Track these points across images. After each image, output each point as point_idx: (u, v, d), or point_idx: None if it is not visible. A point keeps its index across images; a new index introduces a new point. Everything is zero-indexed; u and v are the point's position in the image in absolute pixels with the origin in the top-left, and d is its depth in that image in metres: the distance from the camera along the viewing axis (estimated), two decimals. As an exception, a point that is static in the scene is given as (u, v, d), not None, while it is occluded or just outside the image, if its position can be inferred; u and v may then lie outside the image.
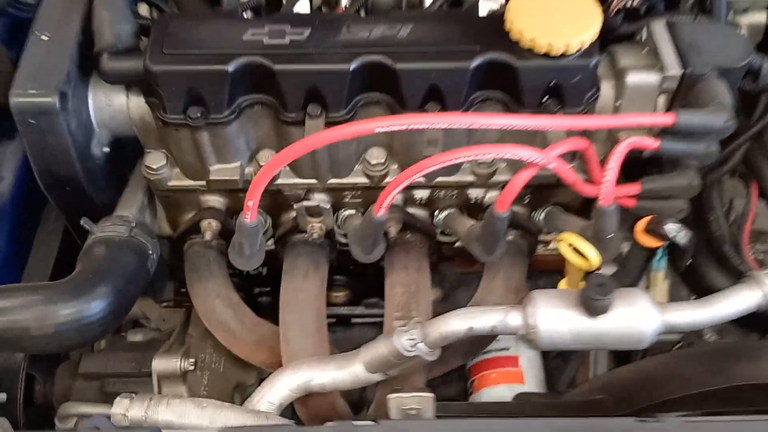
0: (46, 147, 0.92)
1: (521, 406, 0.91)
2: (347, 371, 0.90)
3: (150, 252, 1.01)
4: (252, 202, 0.84)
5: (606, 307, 0.75)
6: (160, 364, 1.05)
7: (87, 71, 0.97)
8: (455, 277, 1.31)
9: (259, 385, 1.25)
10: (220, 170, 1.01)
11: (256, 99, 0.95)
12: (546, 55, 0.89)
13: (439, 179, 1.03)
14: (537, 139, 0.97)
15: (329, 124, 0.93)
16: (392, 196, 0.83)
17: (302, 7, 1.06)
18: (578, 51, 0.89)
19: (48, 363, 1.12)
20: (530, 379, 1.26)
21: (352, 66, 0.90)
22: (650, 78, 0.95)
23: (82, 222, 0.98)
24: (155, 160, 1.02)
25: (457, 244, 1.18)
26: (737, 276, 1.04)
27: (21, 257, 1.16)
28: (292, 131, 0.95)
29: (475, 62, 0.90)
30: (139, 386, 1.08)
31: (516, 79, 0.91)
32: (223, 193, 1.07)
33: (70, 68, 0.92)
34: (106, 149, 1.02)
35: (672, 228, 0.89)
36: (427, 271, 1.07)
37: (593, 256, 0.85)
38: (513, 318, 0.80)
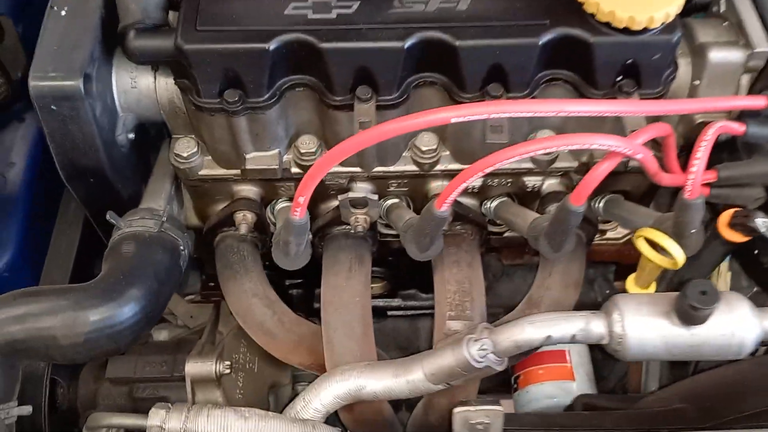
0: (69, 135, 0.84)
1: (600, 419, 0.83)
2: (404, 380, 0.82)
3: (182, 248, 0.94)
4: (303, 197, 0.75)
5: (706, 317, 0.68)
6: (194, 367, 0.97)
7: (110, 50, 0.88)
8: (499, 267, 1.23)
9: (292, 384, 1.21)
10: (257, 158, 0.92)
11: (298, 80, 0.86)
12: (625, 30, 0.80)
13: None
14: (606, 124, 0.88)
15: (379, 108, 0.85)
16: (460, 189, 0.74)
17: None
18: (661, 25, 0.80)
19: (71, 366, 1.04)
20: (580, 375, 1.19)
21: (408, 43, 0.81)
22: (734, 55, 0.86)
23: (108, 216, 0.90)
24: (185, 148, 0.93)
25: (506, 234, 1.10)
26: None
27: (36, 248, 1.08)
28: (338, 116, 0.87)
29: (545, 38, 0.81)
30: (170, 391, 1.01)
31: (589, 57, 0.82)
32: (258, 183, 0.98)
33: (93, 47, 0.83)
34: (131, 136, 0.93)
35: (763, 222, 0.81)
36: (479, 267, 0.99)
37: (679, 255, 0.77)
38: (596, 325, 0.72)
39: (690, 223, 0.80)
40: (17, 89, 1.03)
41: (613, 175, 0.96)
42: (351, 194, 0.92)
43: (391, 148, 0.92)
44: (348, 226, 0.99)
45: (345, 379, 0.87)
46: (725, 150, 0.95)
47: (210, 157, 0.95)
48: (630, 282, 0.91)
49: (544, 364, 1.20)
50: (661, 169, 0.81)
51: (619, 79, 0.85)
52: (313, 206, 1.03)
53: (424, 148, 0.92)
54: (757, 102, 0.79)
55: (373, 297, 1.22)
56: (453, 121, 0.66)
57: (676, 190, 0.93)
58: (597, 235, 1.10)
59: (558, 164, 0.95)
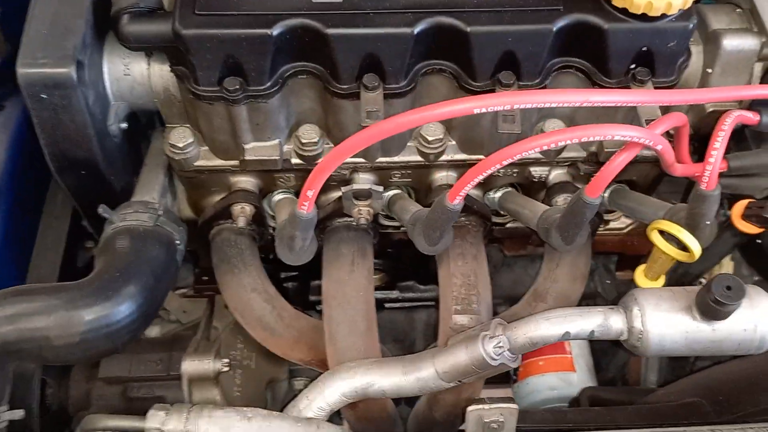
0: (60, 125, 0.79)
1: (612, 414, 0.81)
2: (414, 377, 0.80)
3: (178, 242, 0.90)
4: (312, 191, 0.72)
5: (730, 312, 0.66)
6: (191, 365, 0.94)
7: (101, 35, 0.84)
8: (499, 258, 1.21)
9: (289, 379, 1.18)
10: (257, 149, 0.88)
11: (301, 68, 0.82)
12: (642, 16, 0.77)
13: (502, 156, 0.92)
14: (619, 113, 0.86)
15: (386, 96, 0.81)
16: (476, 182, 0.71)
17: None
18: (678, 11, 0.78)
19: (61, 366, 1.00)
20: (581, 366, 1.18)
21: (417, 29, 0.78)
22: (749, 43, 0.85)
23: (100, 210, 0.86)
24: (180, 138, 0.89)
25: (509, 225, 1.08)
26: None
27: (21, 245, 1.04)
28: (342, 104, 0.83)
29: (559, 24, 0.79)
30: (166, 390, 0.97)
31: (604, 44, 0.80)
32: (256, 174, 0.95)
33: (85, 32, 0.79)
34: (124, 125, 0.89)
35: (779, 213, 0.79)
36: (484, 259, 0.96)
37: (697, 249, 0.75)
38: (615, 321, 0.70)
39: (706, 215, 0.78)
40: (-1, 76, 0.98)
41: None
42: (355, 186, 0.89)
43: (396, 138, 0.89)
44: (349, 218, 0.96)
45: (351, 376, 0.84)
46: (732, 140, 0.94)
47: (206, 148, 0.91)
48: (639, 274, 0.89)
49: (545, 355, 1.19)
50: (676, 163, 0.79)
51: (632, 67, 0.82)
52: (311, 198, 1.00)
53: (430, 138, 0.89)
54: (774, 90, 0.77)
55: (371, 289, 1.20)
56: (476, 111, 0.63)
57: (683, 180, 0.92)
58: (600, 226, 1.09)
59: (566, 154, 0.93)
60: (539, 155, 0.93)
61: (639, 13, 0.77)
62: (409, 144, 0.92)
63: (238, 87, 0.80)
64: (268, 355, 1.08)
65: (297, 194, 0.99)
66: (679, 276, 1.04)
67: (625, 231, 1.10)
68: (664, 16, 0.78)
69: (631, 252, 1.13)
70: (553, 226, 0.84)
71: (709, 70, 0.87)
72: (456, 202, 0.76)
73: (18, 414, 0.80)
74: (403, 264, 1.20)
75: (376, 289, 1.22)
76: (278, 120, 0.87)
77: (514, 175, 0.97)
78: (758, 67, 0.87)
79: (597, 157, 0.92)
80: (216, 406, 0.84)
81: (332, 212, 0.96)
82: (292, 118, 0.89)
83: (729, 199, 0.93)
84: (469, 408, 0.74)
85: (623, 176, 0.99)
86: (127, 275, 0.81)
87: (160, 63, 0.85)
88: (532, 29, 0.79)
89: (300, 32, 0.78)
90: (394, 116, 0.66)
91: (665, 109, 0.83)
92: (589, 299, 1.23)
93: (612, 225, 1.09)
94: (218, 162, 0.92)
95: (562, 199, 0.94)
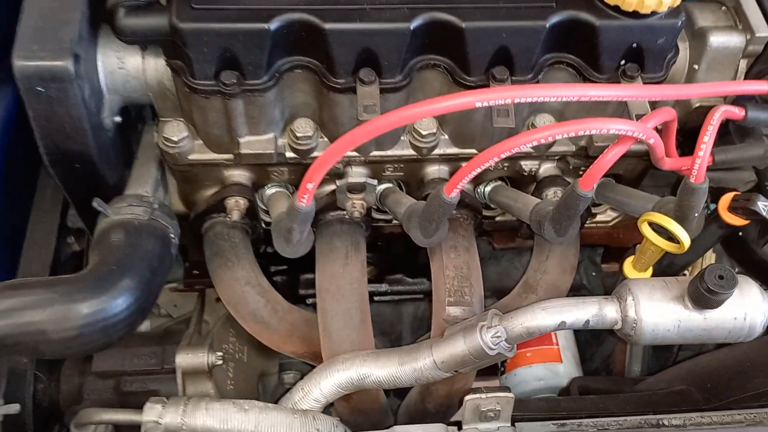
0: (56, 118, 0.79)
1: (604, 402, 0.83)
2: (410, 367, 0.81)
3: (172, 236, 0.90)
4: (312, 184, 0.73)
5: (723, 301, 0.68)
6: (185, 359, 0.94)
7: (96, 27, 0.83)
8: (486, 250, 1.23)
9: (279, 373, 1.18)
10: (252, 143, 0.89)
11: (297, 62, 0.83)
12: (633, 14, 0.79)
13: (493, 150, 0.93)
14: (609, 107, 0.88)
15: (383, 91, 0.82)
16: (471, 176, 0.73)
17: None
18: (668, 9, 0.79)
19: (50, 360, 0.99)
20: (567, 357, 1.21)
21: (414, 24, 0.79)
22: (734, 40, 0.87)
23: (94, 203, 0.85)
24: (175, 131, 0.89)
25: (498, 218, 1.09)
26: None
27: (8, 241, 1.03)
28: (338, 99, 0.84)
29: (552, 20, 0.80)
30: (159, 384, 0.98)
31: (595, 40, 0.82)
32: (249, 168, 0.95)
33: (81, 24, 0.78)
34: (117, 119, 0.88)
35: (764, 204, 0.82)
36: (476, 251, 0.98)
37: (686, 240, 0.77)
38: (610, 311, 0.72)
39: (694, 207, 0.80)
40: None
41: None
42: (349, 179, 0.90)
43: (390, 132, 0.90)
44: (342, 212, 0.97)
45: (347, 368, 0.85)
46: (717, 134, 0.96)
47: (200, 141, 0.92)
48: (628, 266, 0.91)
49: (532, 347, 1.21)
50: (665, 157, 0.81)
51: (622, 62, 0.84)
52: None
53: (424, 132, 0.90)
54: (761, 86, 0.79)
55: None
56: (477, 105, 0.65)
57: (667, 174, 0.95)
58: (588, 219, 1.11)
59: (556, 148, 0.95)
60: (530, 150, 0.94)
61: (630, 10, 0.79)
62: (402, 138, 0.93)
63: (234, 81, 0.80)
64: (259, 349, 1.09)
65: (290, 188, 0.99)
66: (664, 267, 1.06)
67: (611, 224, 1.13)
68: (654, 13, 0.79)
69: (617, 244, 1.15)
70: (545, 219, 0.85)
71: (696, 66, 0.89)
72: (453, 194, 0.77)
73: (14, 408, 0.79)
74: (392, 257, 1.21)
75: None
76: (273, 114, 0.87)
77: (505, 169, 0.99)
78: (743, 64, 0.89)
79: (587, 151, 0.94)
80: (212, 398, 0.84)
81: (325, 206, 0.97)
82: (287, 111, 0.89)
83: (713, 192, 0.96)
84: (467, 397, 0.75)
85: (611, 170, 1.01)
86: (124, 269, 0.80)
87: (155, 56, 0.85)
88: (526, 25, 0.80)
89: (297, 27, 0.79)
90: (398, 109, 0.67)
91: (653, 104, 0.85)
92: (575, 291, 1.26)
93: (599, 218, 1.12)
94: (212, 156, 0.92)
95: (552, 193, 0.95)
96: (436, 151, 0.93)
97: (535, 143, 0.69)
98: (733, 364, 0.81)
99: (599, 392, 0.94)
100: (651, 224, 0.81)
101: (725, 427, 0.69)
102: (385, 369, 0.83)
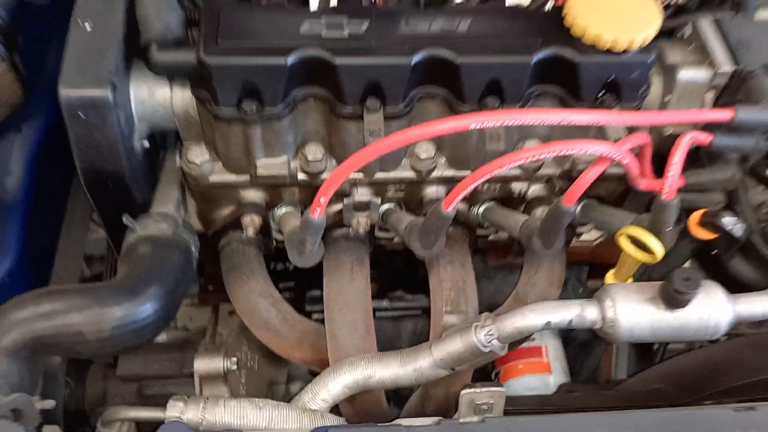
0: (94, 142, 0.88)
1: (589, 399, 0.91)
2: (411, 368, 0.89)
3: (193, 249, 0.98)
4: (324, 198, 0.82)
5: (689, 300, 0.77)
6: (203, 364, 1.02)
7: (129, 60, 0.93)
8: (480, 269, 1.31)
9: (286, 383, 1.26)
10: (267, 165, 0.98)
11: (310, 92, 0.93)
12: (608, 51, 0.89)
13: (486, 172, 1.03)
14: (590, 133, 0.98)
15: (387, 118, 0.92)
16: (466, 192, 0.82)
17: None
18: (639, 47, 0.90)
19: (77, 366, 1.07)
20: (557, 368, 1.29)
21: (414, 60, 0.89)
22: (701, 74, 0.97)
23: (124, 219, 0.94)
24: (198, 155, 0.99)
25: (491, 237, 1.18)
26: (763, 265, 1.08)
27: (38, 255, 1.11)
28: (346, 125, 0.93)
29: (537, 57, 0.90)
30: (178, 387, 1.05)
31: (576, 74, 0.91)
32: (264, 188, 1.04)
33: (118, 58, 0.88)
34: (146, 144, 0.97)
35: (729, 221, 0.91)
36: (471, 266, 1.07)
37: (659, 250, 0.86)
38: (590, 312, 0.80)
39: (666, 222, 0.89)
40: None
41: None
42: (356, 197, 0.99)
43: (393, 154, 1.00)
44: (348, 229, 1.06)
45: (353, 369, 0.93)
46: (689, 159, 1.06)
47: (220, 164, 1.01)
48: (610, 277, 1.00)
49: (523, 359, 1.29)
50: (640, 177, 0.90)
51: (601, 94, 0.94)
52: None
53: (423, 156, 0.99)
54: (724, 115, 0.89)
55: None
56: (472, 127, 0.74)
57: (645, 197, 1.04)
58: (573, 237, 1.20)
59: (543, 171, 1.04)
60: (519, 172, 1.04)
61: (605, 48, 0.89)
62: (403, 161, 1.02)
63: (254, 109, 0.90)
64: (269, 359, 1.17)
65: (299, 207, 1.08)
66: (646, 280, 1.15)
67: (595, 243, 1.22)
68: (627, 51, 0.90)
69: (601, 262, 1.24)
70: (534, 233, 0.94)
71: (667, 98, 0.99)
72: (450, 209, 0.86)
73: (49, 404, 0.87)
74: (393, 273, 1.29)
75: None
76: (287, 139, 0.96)
77: (497, 191, 1.08)
78: (709, 96, 0.99)
79: (570, 174, 1.04)
80: (229, 398, 0.92)
81: (332, 224, 1.06)
82: (299, 137, 0.98)
83: (686, 212, 1.05)
84: (463, 392, 0.83)
85: (593, 192, 1.10)
86: (151, 278, 0.89)
87: (182, 88, 0.94)
88: (514, 61, 0.90)
89: (311, 62, 0.88)
90: (402, 130, 0.76)
91: (630, 131, 0.95)
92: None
93: (584, 237, 1.21)
94: (231, 177, 1.01)
95: (540, 211, 1.04)
96: (435, 174, 1.02)
97: (522, 162, 0.78)
98: (704, 365, 0.89)
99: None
100: (628, 237, 0.90)
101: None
102: (388, 369, 0.91)
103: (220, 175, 1.01)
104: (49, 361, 0.98)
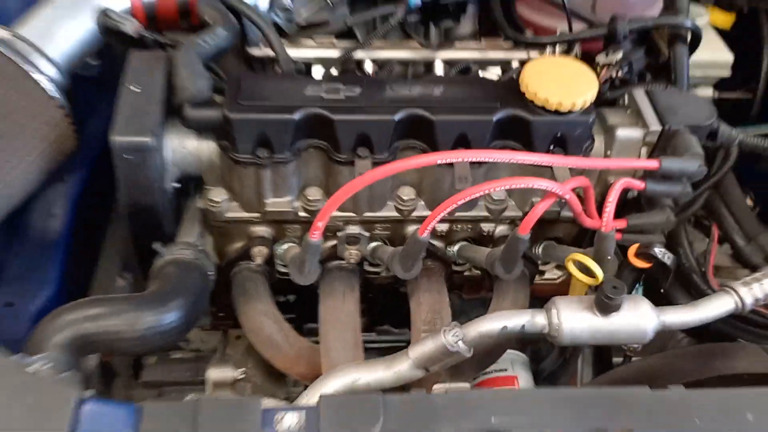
0: (136, 180, 1.08)
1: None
2: (392, 371, 1.05)
3: (210, 273, 1.17)
4: (321, 222, 1.01)
5: (618, 306, 0.95)
6: (215, 373, 1.19)
7: (165, 118, 1.14)
8: (457, 305, 1.49)
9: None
10: (275, 203, 1.17)
11: (312, 143, 1.13)
12: (555, 112, 1.10)
13: (459, 214, 1.22)
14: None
15: (374, 163, 1.12)
16: (436, 220, 1.01)
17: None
18: (581, 109, 1.11)
19: (105, 376, 1.24)
20: (527, 395, 1.44)
21: (397, 117, 1.10)
22: (635, 133, 1.18)
23: (154, 246, 1.13)
24: (218, 195, 1.18)
25: (466, 273, 1.37)
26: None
27: (76, 286, 1.30)
28: (341, 169, 1.13)
29: (497, 116, 1.11)
30: (192, 392, 1.21)
31: (529, 131, 1.12)
32: (271, 224, 1.23)
33: (158, 113, 1.09)
34: (177, 185, 1.17)
35: (659, 251, 1.10)
36: (446, 294, 1.25)
37: (599, 272, 1.04)
38: (539, 318, 0.98)
39: (606, 251, 1.08)
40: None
41: (549, 222, 1.25)
42: (348, 230, 1.19)
43: (379, 197, 1.19)
44: (341, 261, 1.24)
45: (343, 375, 1.09)
46: (634, 206, 1.25)
47: (236, 203, 1.20)
48: (562, 299, 1.17)
49: (497, 386, 1.44)
50: (583, 212, 1.10)
51: (551, 147, 1.14)
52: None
53: (405, 198, 1.19)
54: (651, 164, 1.09)
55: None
56: (439, 162, 0.95)
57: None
58: (538, 276, 1.38)
59: (507, 213, 1.24)
60: (487, 214, 1.23)
61: (553, 109, 1.10)
62: (388, 203, 1.22)
63: (266, 155, 1.10)
64: (270, 378, 1.34)
65: (299, 243, 1.27)
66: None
67: (558, 281, 1.40)
68: (571, 112, 1.10)
69: (563, 297, 1.42)
70: (496, 260, 1.13)
71: (608, 153, 1.19)
72: (425, 235, 1.05)
73: (90, 393, 1.03)
74: (380, 309, 1.47)
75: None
76: (292, 182, 1.16)
77: (469, 230, 1.27)
78: (643, 150, 1.19)
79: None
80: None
81: (327, 256, 1.25)
82: (302, 181, 1.18)
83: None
84: (434, 386, 1.00)
85: (552, 234, 1.30)
86: (175, 292, 1.07)
87: (208, 140, 1.15)
88: (479, 119, 1.11)
89: (314, 118, 1.09)
90: (379, 167, 0.97)
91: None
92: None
93: (547, 275, 1.39)
94: (244, 214, 1.21)
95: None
96: (415, 213, 1.21)
97: (480, 193, 0.98)
98: (644, 372, 1.06)
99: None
100: (575, 263, 1.09)
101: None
102: (372, 374, 1.07)
103: (235, 213, 1.21)
104: (84, 367, 1.15)
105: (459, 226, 1.26)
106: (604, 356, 1.44)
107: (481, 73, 1.32)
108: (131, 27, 1.21)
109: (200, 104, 1.10)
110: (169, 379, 1.21)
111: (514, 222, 1.26)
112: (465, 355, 1.00)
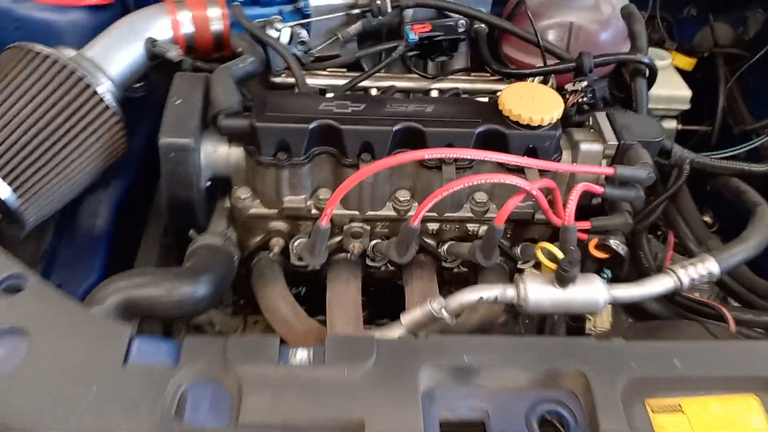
0: (177, 176, 1.30)
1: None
2: (388, 336, 1.25)
3: (234, 257, 1.38)
4: (330, 209, 1.22)
5: (573, 277, 1.15)
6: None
7: (202, 126, 1.37)
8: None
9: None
10: (291, 200, 1.39)
11: (323, 149, 1.35)
12: (527, 126, 1.32)
13: (447, 214, 1.43)
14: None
15: (375, 168, 1.34)
16: (426, 209, 1.22)
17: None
18: (549, 124, 1.33)
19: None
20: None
21: (395, 128, 1.32)
22: (596, 147, 1.40)
23: (190, 233, 1.35)
24: (243, 193, 1.40)
25: (455, 270, 1.57)
26: (663, 300, 1.46)
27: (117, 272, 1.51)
28: (348, 172, 1.35)
29: (479, 129, 1.33)
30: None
31: (506, 141, 1.34)
32: (287, 220, 1.45)
33: (197, 121, 1.32)
34: (208, 184, 1.40)
35: (614, 243, 1.31)
36: (436, 283, 1.45)
37: (560, 254, 1.24)
38: (510, 291, 1.18)
39: (570, 241, 1.28)
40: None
41: (525, 224, 1.46)
42: (353, 227, 1.40)
43: (380, 198, 1.40)
44: (346, 253, 1.45)
45: (346, 342, 1.29)
46: (598, 213, 1.46)
47: (258, 200, 1.42)
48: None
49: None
50: (550, 209, 1.31)
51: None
52: (321, 244, 1.50)
53: (401, 199, 1.40)
54: (607, 170, 1.31)
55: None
56: (427, 157, 1.17)
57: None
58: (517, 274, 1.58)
59: (488, 215, 1.45)
60: (471, 215, 1.44)
61: (525, 124, 1.32)
62: (387, 203, 1.43)
63: (285, 158, 1.32)
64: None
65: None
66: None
67: (535, 279, 1.60)
68: (540, 126, 1.33)
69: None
70: (476, 249, 1.34)
71: (575, 164, 1.41)
72: (416, 223, 1.26)
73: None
74: (380, 304, 1.67)
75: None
76: (306, 183, 1.38)
77: (456, 230, 1.48)
78: (604, 162, 1.41)
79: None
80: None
81: (334, 250, 1.46)
82: (314, 182, 1.40)
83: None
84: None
85: (528, 235, 1.51)
86: (206, 270, 1.27)
87: (237, 146, 1.38)
88: (463, 131, 1.33)
89: (326, 127, 1.32)
90: (378, 160, 1.18)
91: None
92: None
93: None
94: (264, 210, 1.42)
95: (485, 241, 1.44)
96: (410, 213, 1.43)
97: (461, 186, 1.19)
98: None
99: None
100: (542, 250, 1.29)
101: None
102: (370, 339, 1.27)
103: (257, 209, 1.42)
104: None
105: (448, 225, 1.47)
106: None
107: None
108: (174, 53, 1.45)
109: (232, 115, 1.33)
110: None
111: (494, 222, 1.47)
112: (448, 322, 1.20)
